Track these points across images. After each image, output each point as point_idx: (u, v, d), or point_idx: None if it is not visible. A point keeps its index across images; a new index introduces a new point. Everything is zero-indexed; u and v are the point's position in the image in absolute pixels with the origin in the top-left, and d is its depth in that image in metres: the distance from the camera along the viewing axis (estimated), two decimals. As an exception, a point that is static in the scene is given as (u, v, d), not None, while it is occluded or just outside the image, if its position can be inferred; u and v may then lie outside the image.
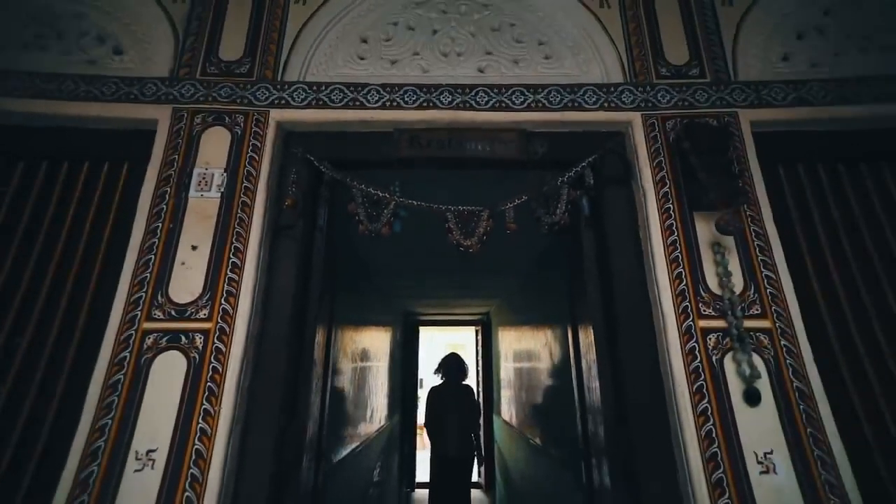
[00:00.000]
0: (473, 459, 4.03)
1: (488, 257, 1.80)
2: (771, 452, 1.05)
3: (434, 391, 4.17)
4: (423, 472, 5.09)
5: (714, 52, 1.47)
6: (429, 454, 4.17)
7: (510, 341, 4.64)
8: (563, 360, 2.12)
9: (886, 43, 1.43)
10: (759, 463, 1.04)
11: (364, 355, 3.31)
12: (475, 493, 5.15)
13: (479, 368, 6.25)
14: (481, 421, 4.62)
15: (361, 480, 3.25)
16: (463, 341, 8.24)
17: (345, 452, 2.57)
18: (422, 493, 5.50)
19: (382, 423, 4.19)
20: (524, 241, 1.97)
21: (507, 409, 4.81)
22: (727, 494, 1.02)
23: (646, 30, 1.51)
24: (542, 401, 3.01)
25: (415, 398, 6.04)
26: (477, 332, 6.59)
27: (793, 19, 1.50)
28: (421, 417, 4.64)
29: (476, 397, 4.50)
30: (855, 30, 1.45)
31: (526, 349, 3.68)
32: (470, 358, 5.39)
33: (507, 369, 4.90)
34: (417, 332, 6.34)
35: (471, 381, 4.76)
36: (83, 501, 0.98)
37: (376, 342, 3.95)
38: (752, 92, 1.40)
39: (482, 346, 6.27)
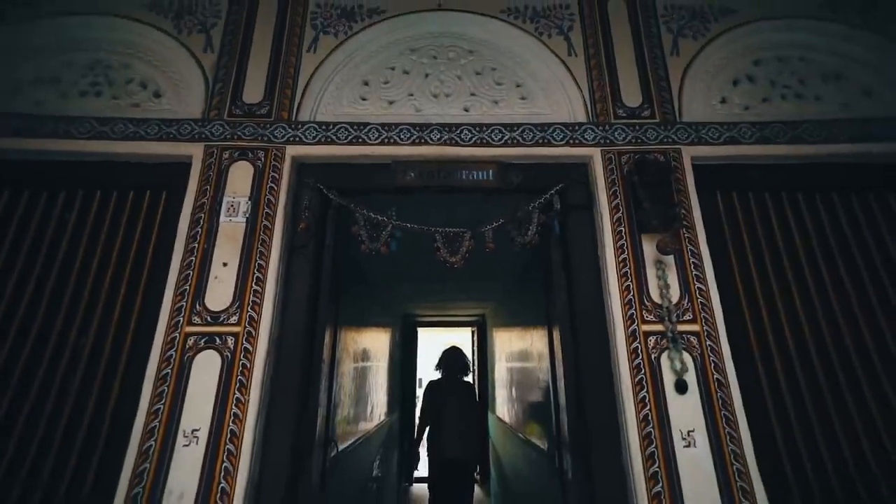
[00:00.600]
0: (475, 462, 3.62)
1: (481, 265, 2.05)
2: (693, 430, 1.31)
3: (432, 386, 3.78)
4: (421, 468, 5.30)
5: (663, 96, 1.73)
6: (426, 458, 3.68)
7: (503, 342, 4.90)
8: (543, 359, 2.37)
9: (801, 92, 1.69)
10: (683, 439, 1.30)
11: (365, 355, 3.55)
12: (470, 488, 5.32)
13: (476, 368, 6.50)
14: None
15: (362, 473, 3.49)
16: (460, 341, 8.48)
17: (347, 444, 2.83)
18: (419, 487, 5.74)
19: (382, 418, 4.43)
20: (512, 253, 2.23)
21: (501, 407, 5.06)
22: (657, 464, 1.28)
23: (606, 76, 1.76)
24: (528, 398, 3.26)
25: (413, 397, 6.29)
26: (473, 332, 6.85)
27: (730, 68, 1.76)
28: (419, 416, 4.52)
29: (477, 395, 4.04)
30: (779, 79, 1.71)
31: (516, 350, 3.94)
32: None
33: (500, 369, 5.15)
34: (416, 332, 6.59)
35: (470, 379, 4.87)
36: (146, 468, 1.23)
37: (376, 343, 4.19)
38: (693, 131, 1.66)
39: (478, 347, 6.53)
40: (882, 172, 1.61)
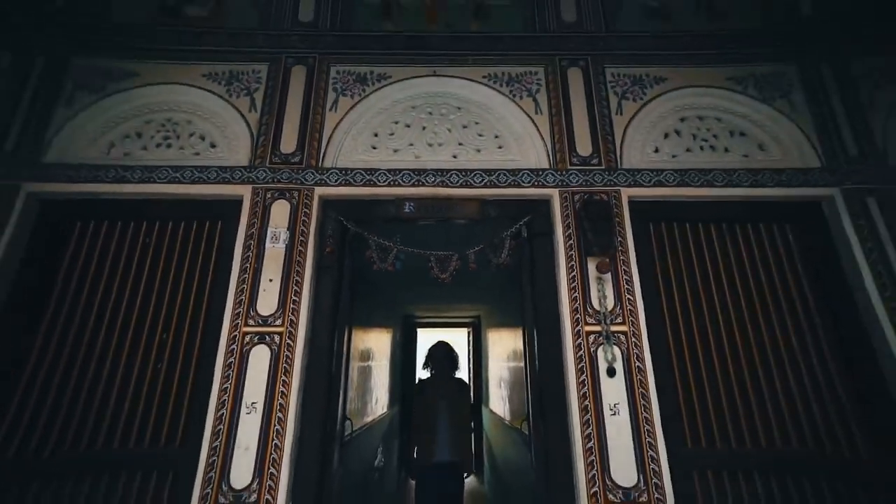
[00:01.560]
0: (467, 466, 3.28)
1: (474, 275, 2.50)
2: (618, 403, 1.79)
3: (421, 385, 3.56)
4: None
5: (609, 147, 2.21)
6: (413, 464, 3.33)
7: (495, 342, 5.39)
8: (521, 356, 2.86)
9: (714, 144, 2.18)
10: (611, 409, 1.78)
11: (371, 352, 4.04)
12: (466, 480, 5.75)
13: (471, 365, 6.98)
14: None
15: (366, 461, 3.96)
16: (457, 341, 8.95)
17: (356, 428, 3.31)
18: (418, 475, 6.18)
19: (384, 410, 4.92)
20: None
21: (494, 401, 5.56)
22: (591, 428, 1.76)
23: (564, 130, 2.25)
24: (514, 390, 3.74)
25: (412, 392, 6.76)
26: (469, 332, 7.33)
27: (661, 124, 2.25)
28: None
29: (470, 393, 3.66)
30: (698, 134, 2.20)
31: (505, 348, 4.43)
32: (462, 355, 6.07)
33: (493, 366, 5.65)
34: (415, 332, 7.07)
35: (462, 376, 5.24)
36: (221, 429, 1.71)
37: (380, 342, 4.68)
38: (630, 176, 2.14)
39: (473, 346, 7.02)
40: (770, 208, 2.09)
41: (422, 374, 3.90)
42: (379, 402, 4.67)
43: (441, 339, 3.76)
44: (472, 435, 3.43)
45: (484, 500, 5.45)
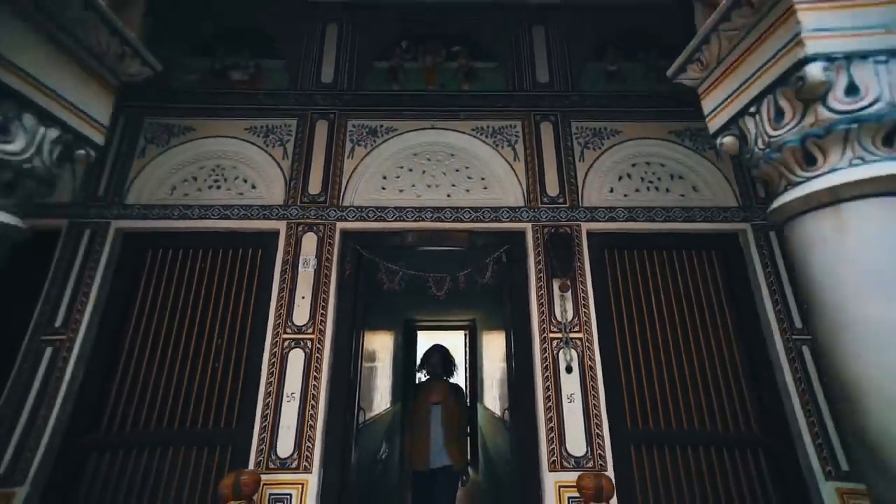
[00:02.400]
0: (461, 472, 3.15)
1: (467, 289, 3.03)
2: (573, 394, 2.32)
3: (416, 389, 3.52)
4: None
5: (572, 188, 2.74)
6: (408, 468, 3.27)
7: (488, 343, 5.94)
8: (505, 356, 3.39)
9: (658, 185, 2.71)
10: (567, 398, 2.31)
11: (377, 352, 4.57)
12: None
13: (467, 365, 7.52)
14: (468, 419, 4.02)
15: (373, 449, 4.48)
16: (455, 343, 9.48)
17: (367, 418, 3.83)
18: (419, 467, 6.70)
19: (388, 406, 5.45)
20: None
21: (487, 397, 6.10)
22: (552, 413, 2.29)
23: (537, 175, 2.78)
24: (502, 386, 4.28)
25: (413, 390, 7.30)
26: (465, 335, 7.87)
27: (615, 169, 2.78)
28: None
29: (465, 398, 3.58)
30: (645, 177, 2.73)
31: (495, 349, 4.96)
32: (459, 356, 6.58)
33: (487, 366, 6.19)
34: (416, 335, 7.61)
35: (458, 377, 5.69)
36: (268, 413, 2.25)
37: (384, 344, 5.21)
38: (589, 213, 2.68)
39: (469, 347, 7.56)
40: (699, 239, 2.63)
41: (420, 376, 3.90)
42: (383, 398, 5.20)
43: (438, 342, 3.76)
44: (468, 440, 3.27)
45: (479, 488, 5.98)
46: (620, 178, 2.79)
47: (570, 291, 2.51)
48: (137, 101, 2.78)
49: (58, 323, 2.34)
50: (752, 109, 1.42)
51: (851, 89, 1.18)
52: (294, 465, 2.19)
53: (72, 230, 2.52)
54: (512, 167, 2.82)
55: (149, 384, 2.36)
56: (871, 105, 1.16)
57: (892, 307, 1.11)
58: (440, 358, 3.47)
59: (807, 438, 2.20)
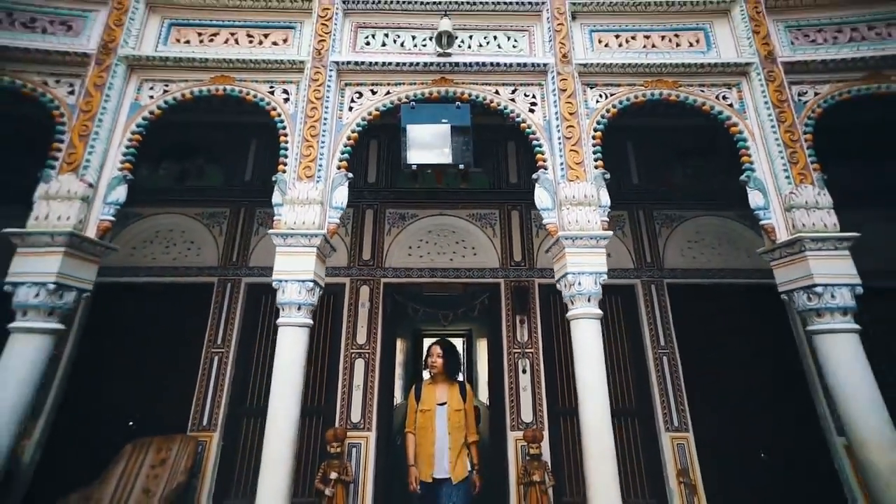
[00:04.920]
0: (469, 483, 2.82)
1: (464, 313, 4.61)
2: (526, 386, 3.90)
3: (417, 390, 3.13)
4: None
5: (530, 256, 4.31)
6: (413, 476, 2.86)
7: (480, 349, 7.53)
8: (487, 362, 4.97)
9: (580, 259, 4.29)
10: (522, 389, 3.89)
11: (396, 354, 6.15)
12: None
13: (466, 365, 9.12)
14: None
15: (401, 418, 6.04)
16: (455, 345, 11.04)
17: (396, 403, 5.42)
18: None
19: (400, 400, 7.04)
20: (480, 309, 4.86)
21: (481, 394, 7.69)
22: (513, 397, 3.88)
23: (508, 246, 4.35)
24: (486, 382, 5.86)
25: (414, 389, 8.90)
26: (463, 341, 9.46)
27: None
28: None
29: (473, 398, 3.19)
30: (574, 252, 4.31)
31: (484, 354, 6.54)
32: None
33: (480, 367, 7.78)
34: (422, 340, 9.19)
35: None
36: (345, 396, 3.83)
37: (403, 347, 6.79)
38: (540, 272, 4.25)
39: (467, 351, 9.15)
40: (609, 288, 4.20)
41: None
42: (396, 392, 6.79)
43: (442, 338, 3.35)
44: (477, 445, 2.96)
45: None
46: (561, 248, 4.36)
47: (525, 323, 4.09)
48: (255, 197, 4.38)
49: (219, 341, 3.93)
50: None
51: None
52: (361, 426, 3.78)
53: (221, 284, 4.11)
54: (491, 241, 4.41)
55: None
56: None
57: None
58: (444, 351, 3.10)
59: (658, 408, 3.78)
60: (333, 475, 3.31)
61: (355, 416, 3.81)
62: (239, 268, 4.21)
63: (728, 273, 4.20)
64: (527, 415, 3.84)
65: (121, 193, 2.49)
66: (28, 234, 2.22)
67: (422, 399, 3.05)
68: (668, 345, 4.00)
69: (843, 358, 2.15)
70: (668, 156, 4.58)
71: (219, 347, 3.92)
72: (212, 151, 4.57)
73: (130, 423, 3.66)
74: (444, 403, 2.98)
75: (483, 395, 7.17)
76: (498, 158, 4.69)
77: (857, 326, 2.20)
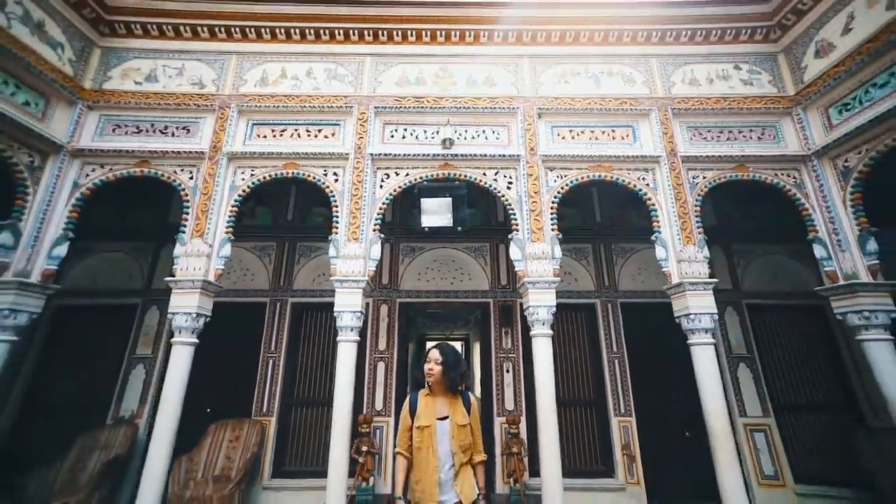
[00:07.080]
0: None
1: (462, 322, 5.79)
2: (509, 383, 5.08)
3: (414, 403, 2.50)
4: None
5: (514, 280, 5.49)
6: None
7: (476, 351, 8.72)
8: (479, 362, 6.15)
9: (564, 278, 5.48)
10: (507, 385, 5.07)
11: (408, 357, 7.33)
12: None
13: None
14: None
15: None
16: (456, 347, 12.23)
17: (402, 399, 6.60)
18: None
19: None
20: (475, 321, 6.02)
21: (476, 391, 8.88)
22: (499, 391, 5.06)
23: (497, 272, 5.54)
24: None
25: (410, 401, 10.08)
26: (462, 343, 10.64)
27: (535, 271, 5.55)
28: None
29: (478, 411, 2.58)
30: (573, 269, 5.51)
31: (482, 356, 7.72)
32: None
33: (476, 368, 8.97)
34: (426, 343, 10.37)
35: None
36: (370, 391, 5.01)
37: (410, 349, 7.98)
38: (520, 294, 5.42)
39: (464, 353, 10.35)
40: (574, 307, 5.39)
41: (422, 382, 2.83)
42: (407, 389, 7.96)
43: (442, 343, 2.72)
44: (483, 465, 2.49)
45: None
46: (538, 274, 5.56)
47: (509, 334, 5.28)
48: (294, 231, 5.57)
49: (272, 348, 5.10)
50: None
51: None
52: (383, 413, 4.95)
53: (272, 304, 5.28)
54: (483, 269, 5.59)
55: (311, 377, 5.12)
56: None
57: None
58: (442, 355, 2.50)
59: (609, 399, 4.96)
60: (364, 448, 4.50)
61: (378, 405, 4.99)
62: (285, 291, 5.38)
63: (661, 294, 5.39)
64: (509, 404, 5.02)
65: (227, 250, 3.67)
66: (177, 280, 3.40)
67: (418, 413, 2.42)
68: (619, 350, 5.19)
69: (704, 365, 3.35)
70: (623, 201, 5.78)
71: (272, 352, 5.10)
72: (261, 196, 5.75)
73: (208, 410, 4.82)
74: (446, 418, 2.40)
75: (477, 390, 8.36)
76: (488, 201, 5.88)
77: (713, 340, 3.40)
